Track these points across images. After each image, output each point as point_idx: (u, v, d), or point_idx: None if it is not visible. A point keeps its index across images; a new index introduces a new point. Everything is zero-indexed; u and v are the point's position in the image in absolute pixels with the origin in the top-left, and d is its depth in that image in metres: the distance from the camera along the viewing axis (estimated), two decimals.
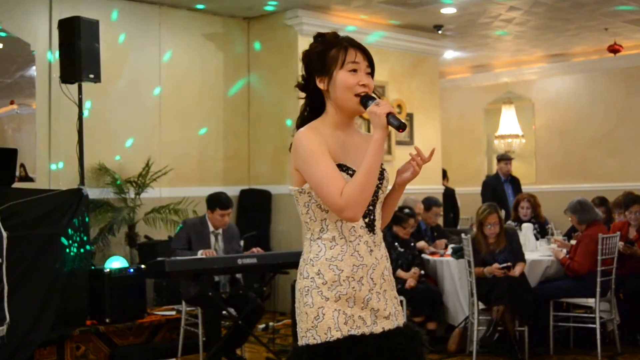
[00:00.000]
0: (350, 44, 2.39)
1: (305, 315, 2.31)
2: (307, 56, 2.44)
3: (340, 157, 2.36)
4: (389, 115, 2.28)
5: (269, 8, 8.12)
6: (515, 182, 9.00)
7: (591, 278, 5.81)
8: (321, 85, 2.40)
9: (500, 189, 8.66)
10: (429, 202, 7.43)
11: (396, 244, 6.39)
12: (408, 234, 6.46)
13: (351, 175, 2.32)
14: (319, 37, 2.44)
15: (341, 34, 2.47)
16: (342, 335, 2.28)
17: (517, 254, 6.02)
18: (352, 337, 2.29)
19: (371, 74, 2.41)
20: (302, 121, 2.46)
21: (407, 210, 6.51)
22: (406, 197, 7.07)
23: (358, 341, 2.29)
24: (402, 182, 2.48)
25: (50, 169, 7.03)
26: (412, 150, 2.49)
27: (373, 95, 2.39)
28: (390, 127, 2.29)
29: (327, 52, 2.38)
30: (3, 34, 6.80)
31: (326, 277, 2.30)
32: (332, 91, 2.38)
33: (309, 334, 2.30)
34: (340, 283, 2.31)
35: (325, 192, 2.25)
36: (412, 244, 6.57)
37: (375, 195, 2.40)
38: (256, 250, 5.79)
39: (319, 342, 2.28)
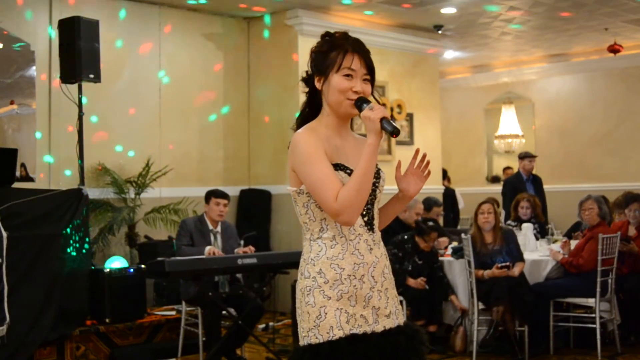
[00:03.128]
0: (353, 48, 2.38)
1: (307, 314, 2.31)
2: (312, 53, 2.45)
3: (337, 157, 2.36)
4: (383, 120, 2.28)
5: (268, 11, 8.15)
6: (537, 181, 8.79)
7: (592, 278, 5.81)
8: (318, 85, 2.41)
9: (521, 187, 8.42)
10: (429, 203, 7.43)
11: (416, 256, 6.26)
12: (428, 247, 6.28)
13: (349, 174, 2.32)
14: (327, 36, 2.44)
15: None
16: (344, 334, 2.28)
17: (515, 254, 6.02)
18: (354, 336, 2.29)
19: (372, 80, 2.41)
20: (302, 118, 2.48)
21: (431, 223, 6.36)
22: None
23: (360, 340, 2.29)
24: (407, 196, 2.49)
25: (50, 169, 7.03)
26: (413, 149, 2.49)
27: (369, 99, 2.40)
28: (384, 132, 2.29)
29: (328, 53, 2.39)
30: (3, 34, 6.79)
31: (328, 276, 2.30)
32: (326, 92, 2.39)
33: (311, 334, 2.30)
34: (342, 282, 2.31)
35: (321, 196, 2.26)
36: (436, 259, 6.34)
37: (373, 194, 2.40)
38: (249, 249, 5.79)
39: (321, 341, 2.28)
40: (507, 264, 5.89)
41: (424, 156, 2.49)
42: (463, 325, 6.19)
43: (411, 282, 6.14)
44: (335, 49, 2.38)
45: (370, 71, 2.40)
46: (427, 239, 6.25)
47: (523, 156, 8.87)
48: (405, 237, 6.32)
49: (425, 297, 6.19)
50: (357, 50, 2.39)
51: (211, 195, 5.93)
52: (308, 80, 2.47)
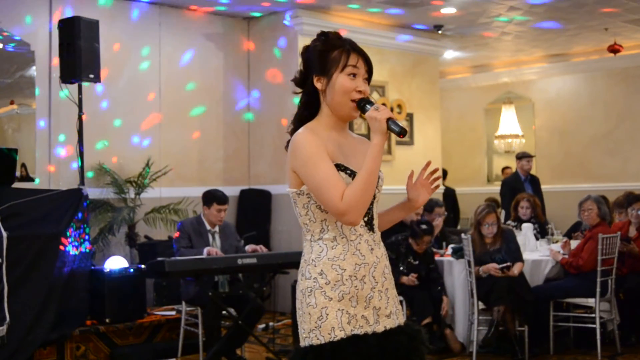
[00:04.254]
0: (353, 47, 2.38)
1: (309, 315, 2.30)
2: (307, 53, 2.42)
3: (338, 157, 2.35)
4: (389, 120, 2.27)
5: (268, 11, 8.16)
6: (535, 181, 8.78)
7: (592, 278, 5.81)
8: (318, 85, 2.38)
9: (520, 188, 8.40)
10: (430, 204, 7.30)
11: (410, 257, 6.25)
12: (422, 249, 6.27)
13: (349, 175, 2.32)
14: (322, 36, 2.42)
15: (341, 34, 2.45)
16: (345, 335, 2.28)
17: (514, 254, 6.01)
18: (356, 336, 2.29)
19: (368, 79, 2.41)
20: (298, 120, 2.44)
21: (424, 227, 6.29)
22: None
23: (361, 341, 2.29)
24: (415, 206, 2.51)
25: (50, 169, 7.03)
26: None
27: (371, 99, 2.39)
28: (389, 132, 2.29)
29: (328, 53, 2.37)
30: (3, 34, 6.79)
31: (329, 277, 2.30)
32: (329, 93, 2.37)
33: (312, 335, 2.30)
34: (343, 282, 2.30)
35: (326, 196, 2.24)
36: (431, 259, 6.33)
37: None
38: (260, 248, 5.80)
39: (323, 342, 2.27)
40: (508, 264, 5.89)
41: (436, 170, 2.49)
42: (449, 327, 6.20)
43: (404, 279, 6.14)
44: (335, 48, 2.37)
45: (369, 70, 2.40)
46: (420, 242, 6.23)
47: (521, 156, 8.83)
48: (400, 238, 6.31)
49: (427, 296, 6.18)
50: (357, 50, 2.39)
51: (213, 200, 5.84)
52: (302, 81, 2.43)
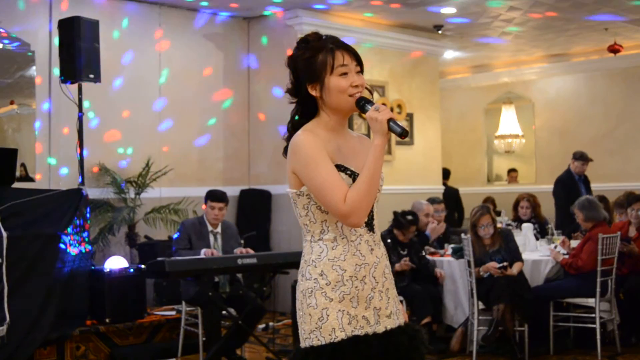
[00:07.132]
0: (336, 45, 2.35)
1: (309, 316, 2.30)
2: (294, 63, 2.39)
3: (337, 158, 2.34)
4: (391, 121, 2.26)
5: (268, 11, 8.15)
6: (587, 182, 8.63)
7: (592, 278, 5.81)
8: (313, 93, 2.36)
9: (574, 187, 8.26)
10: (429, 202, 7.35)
11: (398, 247, 6.33)
12: (407, 239, 6.38)
13: (349, 175, 2.31)
14: (303, 43, 2.39)
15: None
16: (346, 336, 2.27)
17: (513, 254, 6.02)
18: (356, 337, 2.28)
19: (361, 71, 2.39)
20: (293, 126, 2.43)
21: (410, 217, 6.36)
22: (415, 200, 7.11)
23: (362, 342, 2.28)
24: None
25: (50, 169, 7.03)
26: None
27: (370, 98, 2.37)
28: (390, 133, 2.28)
29: (314, 59, 2.34)
30: (3, 34, 6.79)
31: (329, 277, 2.30)
32: (326, 97, 2.35)
33: (312, 336, 2.29)
34: (344, 283, 2.30)
35: (329, 198, 2.24)
36: (418, 246, 6.45)
37: None
38: (246, 251, 5.78)
39: (324, 343, 2.27)
40: (505, 264, 5.90)
41: None
42: (463, 326, 6.19)
43: (396, 266, 6.14)
44: (319, 51, 2.35)
45: (359, 62, 2.38)
46: (406, 232, 6.35)
47: (579, 157, 8.44)
48: (383, 233, 6.33)
49: (426, 296, 6.19)
50: (341, 46, 2.36)
51: (208, 198, 5.91)
52: (295, 91, 2.42)
